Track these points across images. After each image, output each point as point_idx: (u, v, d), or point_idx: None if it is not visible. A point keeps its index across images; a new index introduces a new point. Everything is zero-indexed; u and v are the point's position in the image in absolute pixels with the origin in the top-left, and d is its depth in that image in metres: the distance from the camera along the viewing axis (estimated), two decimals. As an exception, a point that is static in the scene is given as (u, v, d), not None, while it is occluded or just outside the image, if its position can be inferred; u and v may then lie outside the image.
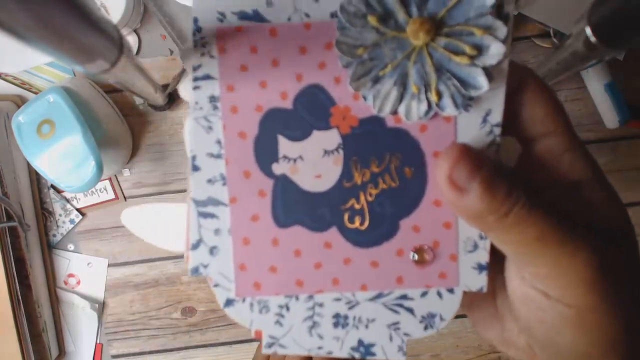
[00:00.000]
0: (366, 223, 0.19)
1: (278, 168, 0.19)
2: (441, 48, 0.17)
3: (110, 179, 0.46)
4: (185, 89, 0.19)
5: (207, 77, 0.18)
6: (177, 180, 0.47)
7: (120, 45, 0.27)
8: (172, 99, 0.45)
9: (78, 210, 0.47)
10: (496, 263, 0.19)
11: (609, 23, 0.27)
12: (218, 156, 0.19)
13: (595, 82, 0.43)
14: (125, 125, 0.45)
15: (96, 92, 0.43)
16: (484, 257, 0.19)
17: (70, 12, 0.21)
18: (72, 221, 0.47)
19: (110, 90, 0.44)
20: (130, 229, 0.44)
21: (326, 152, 0.19)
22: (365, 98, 0.18)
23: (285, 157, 0.19)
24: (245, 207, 0.19)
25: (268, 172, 0.19)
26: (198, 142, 0.19)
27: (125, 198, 0.47)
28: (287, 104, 0.19)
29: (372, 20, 0.17)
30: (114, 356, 0.49)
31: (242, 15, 0.18)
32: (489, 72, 0.17)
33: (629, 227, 0.17)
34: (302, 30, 0.18)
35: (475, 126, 0.18)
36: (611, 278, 0.16)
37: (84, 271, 0.48)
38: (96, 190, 0.46)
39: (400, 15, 0.17)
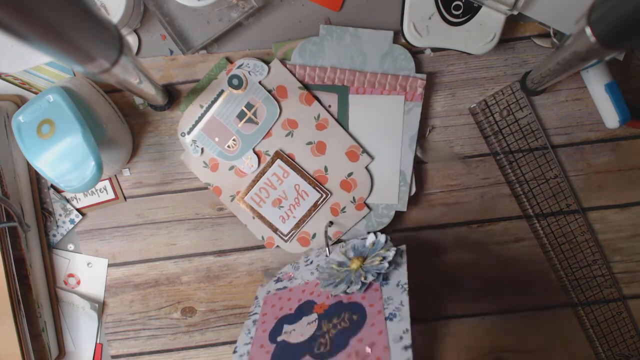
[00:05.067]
0: (329, 346, 0.33)
1: (279, 338, 0.37)
2: (367, 264, 0.38)
3: (110, 179, 0.46)
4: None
5: (255, 315, 0.41)
6: (176, 180, 0.47)
7: (120, 45, 0.27)
8: (172, 99, 0.45)
9: (78, 210, 0.47)
10: None
11: (609, 23, 0.27)
12: (248, 343, 0.38)
13: (595, 82, 0.43)
14: (125, 125, 0.45)
15: (96, 92, 0.43)
16: (408, 342, 0.30)
17: (70, 13, 0.21)
18: (72, 221, 0.47)
19: (110, 90, 0.44)
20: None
21: (308, 323, 0.37)
22: (331, 293, 0.38)
23: (285, 332, 0.37)
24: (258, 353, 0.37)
25: (273, 342, 0.36)
26: (241, 340, 0.39)
27: (125, 198, 0.47)
28: (292, 312, 0.39)
29: (334, 265, 0.40)
30: (113, 356, 0.49)
31: (278, 289, 0.43)
32: (391, 262, 0.37)
33: None
34: (303, 285, 0.41)
35: (394, 288, 0.35)
36: None
37: (84, 271, 0.48)
38: (96, 190, 0.46)
39: (347, 260, 0.40)
